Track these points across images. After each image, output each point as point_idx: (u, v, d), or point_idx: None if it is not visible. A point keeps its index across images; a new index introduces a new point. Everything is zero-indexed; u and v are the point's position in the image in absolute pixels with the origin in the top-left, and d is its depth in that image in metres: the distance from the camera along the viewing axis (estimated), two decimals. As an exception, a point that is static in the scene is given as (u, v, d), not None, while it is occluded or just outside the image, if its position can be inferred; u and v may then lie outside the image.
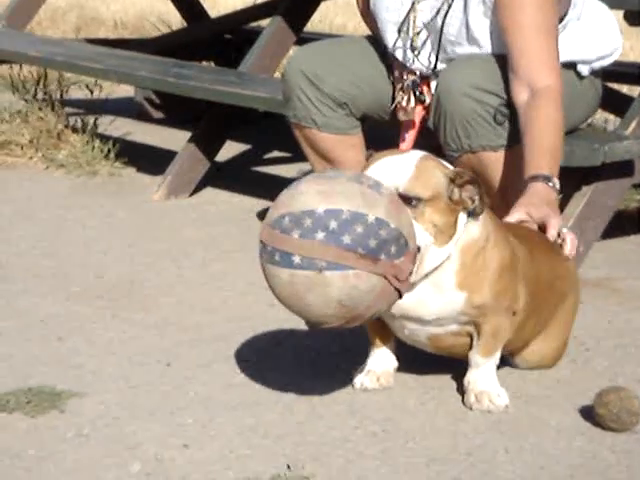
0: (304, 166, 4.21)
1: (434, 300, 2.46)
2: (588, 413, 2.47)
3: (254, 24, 5.84)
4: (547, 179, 2.76)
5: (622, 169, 3.42)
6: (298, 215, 2.26)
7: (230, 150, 4.95)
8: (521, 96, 2.94)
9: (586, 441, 2.38)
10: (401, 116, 3.23)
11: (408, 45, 3.16)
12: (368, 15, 3.34)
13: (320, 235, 2.25)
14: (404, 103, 3.22)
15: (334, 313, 2.30)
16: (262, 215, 4.06)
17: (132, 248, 3.65)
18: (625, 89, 4.91)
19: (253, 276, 3.40)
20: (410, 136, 3.28)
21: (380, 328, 2.59)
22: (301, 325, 3.02)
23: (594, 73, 3.25)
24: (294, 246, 2.26)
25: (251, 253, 3.73)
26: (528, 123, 2.85)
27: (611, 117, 4.94)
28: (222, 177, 4.58)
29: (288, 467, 2.22)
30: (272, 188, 4.58)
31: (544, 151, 2.79)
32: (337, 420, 2.45)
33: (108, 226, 3.90)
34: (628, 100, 3.82)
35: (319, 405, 2.52)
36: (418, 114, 3.23)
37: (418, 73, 3.18)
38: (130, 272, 3.41)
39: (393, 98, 3.26)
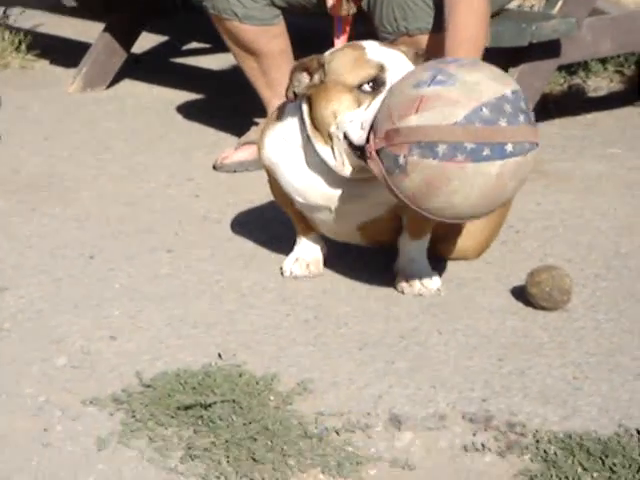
0: (225, 56, 4.10)
1: (375, 184, 2.37)
2: (520, 293, 2.46)
3: None
4: None
5: (548, 50, 3.37)
6: (495, 103, 2.18)
7: (148, 41, 4.80)
8: None
9: (518, 320, 2.37)
10: (342, 11, 3.09)
11: None
12: None
13: (522, 118, 2.20)
14: None
15: (513, 195, 2.28)
16: (184, 107, 3.96)
17: (49, 141, 3.52)
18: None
19: (176, 168, 3.33)
20: (346, 29, 3.16)
21: (302, 215, 2.54)
22: (227, 215, 2.96)
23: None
24: (506, 134, 2.17)
25: (173, 144, 3.65)
26: (450, 11, 2.77)
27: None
28: (140, 69, 4.44)
29: (219, 356, 2.18)
30: (192, 79, 4.53)
31: (463, 40, 2.71)
32: (268, 308, 2.40)
33: (22, 119, 3.76)
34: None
35: (249, 294, 2.46)
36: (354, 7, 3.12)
37: None
38: (48, 165, 3.30)
39: None
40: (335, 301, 2.44)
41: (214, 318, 2.34)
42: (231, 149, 3.35)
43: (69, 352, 2.19)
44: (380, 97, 2.30)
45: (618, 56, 4.29)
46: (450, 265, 2.62)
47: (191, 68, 4.53)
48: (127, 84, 4.25)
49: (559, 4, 3.37)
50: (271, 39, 3.22)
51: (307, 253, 2.58)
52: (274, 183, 2.53)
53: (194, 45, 4.93)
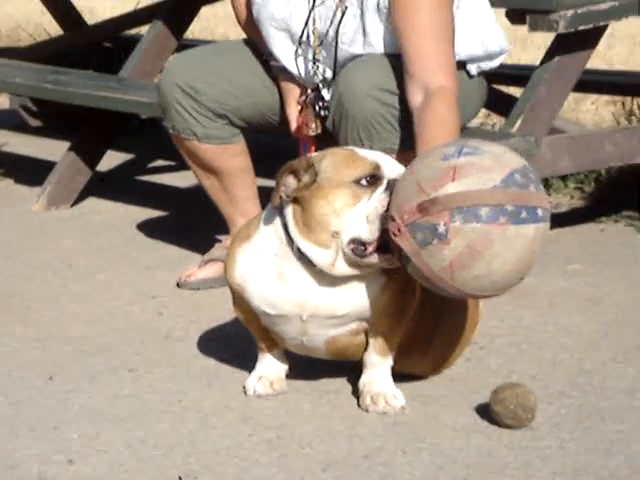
0: (190, 174, 4.13)
1: (352, 290, 2.40)
2: (484, 411, 2.44)
3: (135, 31, 5.72)
4: None
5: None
6: (523, 170, 2.29)
7: (113, 160, 4.83)
8: (416, 98, 2.86)
9: (483, 439, 2.35)
10: (309, 132, 3.12)
11: (310, 57, 3.08)
12: (250, 26, 3.23)
13: (541, 186, 2.32)
14: (309, 117, 3.12)
15: (534, 265, 2.35)
16: (148, 224, 3.97)
17: (11, 260, 3.50)
18: (508, 90, 4.94)
19: (139, 285, 3.31)
20: (311, 149, 3.19)
21: (267, 331, 2.52)
22: (190, 333, 2.94)
23: (481, 73, 3.23)
24: (536, 199, 2.27)
25: (137, 262, 3.65)
26: (420, 125, 2.80)
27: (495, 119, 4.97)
28: (105, 187, 4.46)
29: (180, 479, 2.13)
30: (156, 197, 4.55)
31: None
32: (230, 428, 2.37)
33: (-16, 238, 3.76)
34: (512, 100, 3.83)
35: (211, 414, 2.43)
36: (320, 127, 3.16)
37: (320, 85, 3.09)
38: (9, 285, 3.27)
39: (281, 109, 3.18)
40: (298, 420, 2.41)
41: (175, 439, 2.30)
42: (195, 267, 3.34)
43: (24, 479, 2.13)
44: (380, 189, 2.36)
45: (578, 173, 4.37)
46: (414, 382, 2.60)
47: (156, 185, 4.55)
48: (92, 202, 4.26)
49: (518, 123, 3.44)
50: (231, 157, 3.25)
51: (270, 371, 2.56)
52: (240, 301, 2.52)
53: (160, 162, 4.97)
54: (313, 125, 3.05)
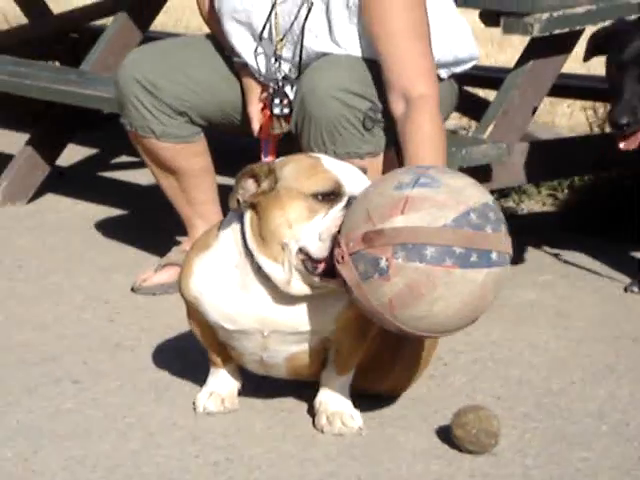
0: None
1: (315, 306, 2.27)
2: (446, 434, 2.32)
3: (104, 21, 5.56)
4: None
5: (479, 174, 3.28)
6: (482, 209, 2.12)
7: (77, 154, 4.69)
8: (398, 107, 2.75)
9: (444, 465, 2.23)
10: (275, 130, 2.99)
11: (271, 53, 2.95)
12: (212, 19, 3.10)
13: (503, 227, 2.15)
14: (279, 111, 2.97)
15: (484, 311, 2.18)
16: (107, 224, 3.83)
17: (-42, 259, 3.37)
18: (481, 93, 4.83)
19: (92, 289, 3.18)
20: (273, 150, 3.06)
21: (222, 346, 2.39)
22: (142, 342, 2.80)
23: (453, 76, 3.11)
24: (492, 242, 2.11)
25: (92, 264, 3.50)
26: (404, 140, 2.69)
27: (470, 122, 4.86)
28: (65, 183, 4.31)
29: (118, 504, 2.01)
30: (118, 195, 4.40)
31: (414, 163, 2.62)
32: (176, 448, 2.24)
33: None
34: (485, 104, 3.71)
35: (158, 432, 2.30)
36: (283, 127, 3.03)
37: (280, 83, 2.97)
38: (-46, 286, 3.14)
39: (244, 107, 3.05)
40: (249, 441, 2.29)
41: (116, 460, 2.17)
42: (151, 270, 3.21)
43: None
44: (338, 207, 2.20)
45: (551, 180, 4.26)
46: (373, 401, 2.47)
47: (119, 183, 4.41)
48: (50, 199, 4.11)
49: (490, 129, 3.32)
50: (190, 157, 3.11)
51: (222, 387, 2.43)
52: (194, 314, 2.38)
53: (125, 158, 4.83)
54: (275, 125, 2.92)
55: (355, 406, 2.37)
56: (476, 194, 2.15)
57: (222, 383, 2.42)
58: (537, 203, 4.18)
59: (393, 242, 2.07)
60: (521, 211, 4.12)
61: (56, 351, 2.69)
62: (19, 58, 4.38)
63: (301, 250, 2.20)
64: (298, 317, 2.27)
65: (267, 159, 3.01)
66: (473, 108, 3.89)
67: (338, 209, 2.20)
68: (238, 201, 2.24)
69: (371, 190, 2.17)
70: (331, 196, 2.21)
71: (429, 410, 2.46)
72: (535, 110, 3.43)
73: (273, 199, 2.22)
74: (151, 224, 3.78)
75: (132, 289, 3.15)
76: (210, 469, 2.16)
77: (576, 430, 2.39)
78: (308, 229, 2.20)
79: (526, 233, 3.88)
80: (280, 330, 2.27)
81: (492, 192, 3.91)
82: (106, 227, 3.78)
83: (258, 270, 2.25)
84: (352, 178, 2.24)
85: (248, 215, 2.26)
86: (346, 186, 2.22)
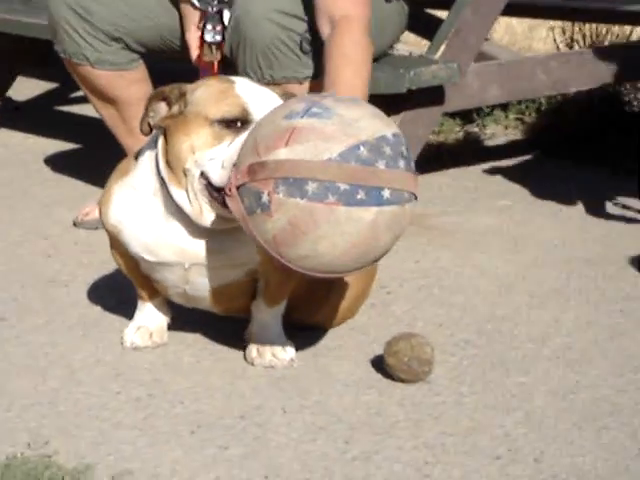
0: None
1: (236, 237, 2.15)
2: (380, 364, 2.24)
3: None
4: None
5: (431, 97, 3.19)
6: (374, 144, 1.95)
7: (35, 88, 4.57)
8: (324, 31, 2.62)
9: (374, 395, 2.15)
10: (205, 57, 2.87)
11: None
12: None
13: (401, 163, 1.98)
14: (211, 38, 2.86)
15: (383, 254, 2.02)
16: (56, 158, 3.73)
17: None
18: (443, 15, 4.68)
19: (33, 225, 3.08)
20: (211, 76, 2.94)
21: (147, 278, 2.30)
22: (77, 277, 2.71)
23: (403, -2, 2.99)
24: (384, 179, 1.94)
25: (35, 199, 3.40)
26: (325, 60, 2.56)
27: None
28: (20, 117, 4.20)
29: (28, 445, 1.93)
30: (72, 129, 4.29)
31: (331, 87, 2.47)
32: (97, 385, 2.16)
33: None
34: (438, 23, 3.58)
35: (79, 369, 2.22)
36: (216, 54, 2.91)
37: (215, 8, 2.83)
38: None
39: (182, 31, 2.94)
40: (174, 375, 2.21)
41: (33, 398, 2.09)
42: (94, 204, 3.10)
43: None
44: (244, 135, 2.07)
45: (519, 102, 4.15)
46: (309, 332, 2.39)
47: (74, 117, 4.29)
48: (2, 134, 4.00)
49: (441, 49, 3.20)
50: (129, 85, 2.99)
51: (150, 321, 2.35)
52: (116, 245, 2.30)
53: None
54: (207, 52, 2.80)
55: (289, 337, 2.30)
56: (372, 126, 1.98)
57: (150, 317, 2.34)
58: (502, 127, 4.08)
59: (274, 176, 1.94)
60: (484, 135, 4.01)
61: (-15, 288, 2.62)
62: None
63: (202, 175, 2.11)
64: (218, 249, 2.17)
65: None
66: (427, 29, 3.76)
67: (244, 137, 2.07)
68: (149, 125, 2.14)
69: (265, 117, 2.04)
70: (237, 123, 2.09)
71: (367, 339, 2.38)
72: (489, 29, 3.32)
73: (181, 124, 2.12)
74: (102, 158, 3.67)
75: (74, 223, 3.06)
76: (130, 405, 2.08)
77: (516, 355, 2.31)
78: (210, 155, 2.09)
79: (489, 158, 3.79)
80: (201, 263, 2.18)
81: (454, 115, 3.98)
82: (55, 162, 3.67)
83: (172, 200, 2.15)
84: (264, 104, 2.11)
85: (160, 140, 2.16)
86: (255, 113, 2.09)
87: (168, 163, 2.13)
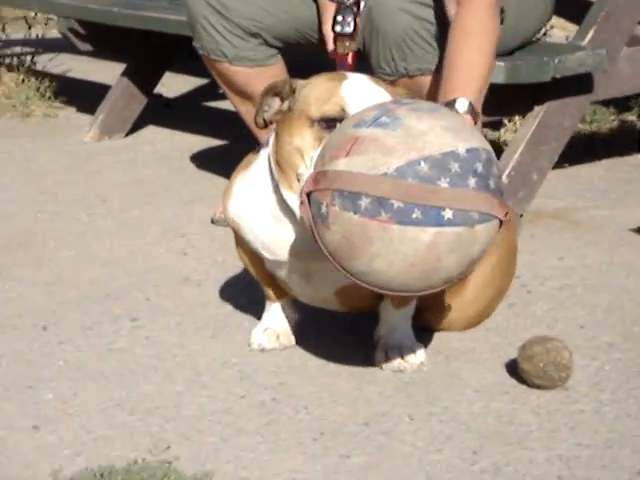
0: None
1: None
2: (515, 369, 2.13)
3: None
4: (451, 104, 2.30)
5: (579, 85, 3.04)
6: (439, 159, 1.84)
7: (186, 84, 4.60)
8: (451, 12, 2.53)
9: (507, 402, 2.04)
10: (339, 49, 2.80)
11: None
12: None
13: (472, 181, 1.85)
14: (340, 29, 2.79)
15: (457, 276, 1.90)
16: (201, 155, 3.73)
17: (44, 195, 3.30)
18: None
19: (172, 222, 3.08)
20: (348, 68, 2.88)
21: (273, 277, 2.25)
22: (210, 276, 2.69)
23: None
24: (445, 198, 1.83)
25: (176, 196, 3.40)
26: (448, 41, 2.46)
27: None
28: (169, 114, 4.23)
29: (150, 450, 1.90)
30: (218, 124, 4.29)
31: (456, 70, 2.37)
32: (221, 388, 2.12)
33: (26, 172, 3.56)
34: (589, 5, 3.42)
35: (205, 372, 2.18)
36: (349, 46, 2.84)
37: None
38: (34, 222, 3.07)
39: (319, 24, 2.88)
40: (301, 379, 2.15)
41: (157, 402, 2.07)
42: (232, 201, 3.09)
43: (-21, 448, 1.94)
44: None
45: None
46: (442, 334, 2.30)
47: (221, 112, 4.29)
48: (150, 131, 4.04)
49: (590, 34, 3.04)
50: (266, 81, 2.88)
51: (277, 322, 2.30)
52: (240, 241, 2.26)
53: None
54: (339, 44, 2.73)
55: (420, 340, 2.21)
56: (441, 140, 1.86)
57: (277, 318, 2.29)
58: (658, 114, 3.88)
59: (332, 187, 1.85)
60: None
61: (121, 288, 2.61)
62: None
63: None
64: None
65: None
66: (574, 11, 3.59)
67: None
68: (264, 120, 2.09)
69: (339, 126, 1.95)
70: (336, 123, 2.00)
71: (503, 342, 2.28)
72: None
73: (287, 122, 2.05)
74: (245, 154, 3.66)
75: (212, 221, 3.05)
76: (254, 410, 2.04)
77: (663, 361, 2.17)
78: (314, 157, 2.00)
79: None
80: (319, 264, 2.10)
81: (608, 103, 3.79)
82: (199, 158, 3.68)
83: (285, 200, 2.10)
84: (367, 103, 1.99)
85: (272, 137, 2.10)
86: (354, 111, 1.99)
87: (278, 163, 2.07)
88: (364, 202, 1.83)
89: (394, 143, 1.84)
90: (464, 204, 1.83)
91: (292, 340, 2.28)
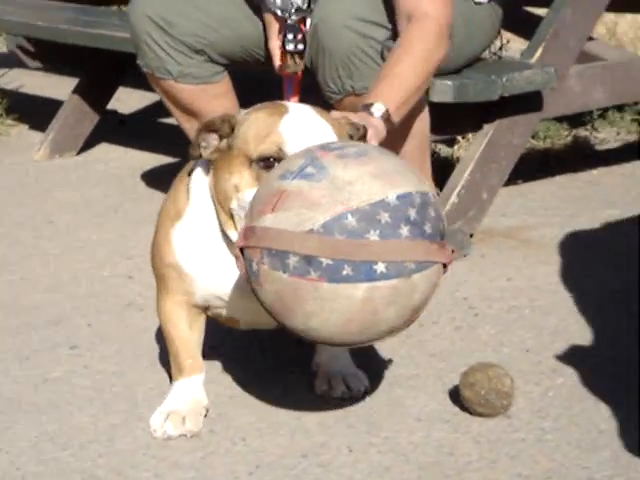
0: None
1: None
2: (458, 395, 2.10)
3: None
4: (368, 107, 2.25)
5: (529, 102, 3.02)
6: (367, 211, 1.74)
7: (141, 100, 4.55)
8: (402, 27, 2.52)
9: (449, 431, 2.01)
10: (287, 69, 2.75)
11: None
12: None
13: (404, 230, 1.75)
14: (293, 47, 2.75)
15: (401, 325, 1.82)
16: (153, 173, 3.69)
17: (-11, 217, 3.27)
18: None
19: (118, 244, 3.04)
20: (297, 89, 2.84)
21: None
22: (154, 301, 2.61)
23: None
24: (375, 251, 1.74)
25: (125, 216, 3.35)
26: (389, 53, 2.44)
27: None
28: (124, 131, 4.19)
29: (80, 486, 1.86)
30: (175, 141, 4.19)
31: (384, 80, 2.33)
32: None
33: (-28, 193, 3.52)
34: (538, 21, 3.39)
35: (142, 402, 2.13)
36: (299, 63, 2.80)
37: (294, 16, 2.73)
38: (-23, 246, 3.03)
39: (265, 41, 2.84)
40: (240, 409, 2.10)
41: (91, 435, 2.02)
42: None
43: None
44: None
45: (635, 103, 3.91)
46: (385, 358, 2.26)
47: (178, 129, 4.24)
48: (103, 149, 3.99)
49: (539, 51, 3.03)
50: (212, 99, 2.91)
51: (184, 403, 2.04)
52: (175, 289, 2.07)
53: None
54: (289, 62, 2.69)
55: (364, 366, 2.17)
56: (369, 190, 1.75)
57: (183, 398, 2.04)
58: (612, 131, 3.86)
59: (260, 244, 1.78)
60: (595, 140, 3.80)
61: (62, 313, 2.56)
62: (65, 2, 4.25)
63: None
64: None
65: (291, 98, 2.80)
66: (524, 28, 3.58)
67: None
68: (200, 155, 2.01)
69: (267, 175, 1.86)
70: (274, 162, 1.91)
71: (447, 368, 2.24)
72: (591, 28, 3.13)
73: (227, 160, 1.96)
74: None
75: (159, 242, 3.00)
76: (190, 442, 1.99)
77: (610, 386, 2.14)
78: (250, 197, 1.89)
79: (600, 164, 3.58)
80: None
81: (560, 119, 3.76)
82: (151, 176, 3.64)
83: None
84: (306, 143, 1.89)
85: (210, 173, 2.02)
86: (291, 152, 1.90)
87: (218, 201, 1.98)
88: (292, 261, 1.75)
89: (319, 196, 1.76)
90: (397, 255, 1.75)
91: (200, 424, 2.03)
